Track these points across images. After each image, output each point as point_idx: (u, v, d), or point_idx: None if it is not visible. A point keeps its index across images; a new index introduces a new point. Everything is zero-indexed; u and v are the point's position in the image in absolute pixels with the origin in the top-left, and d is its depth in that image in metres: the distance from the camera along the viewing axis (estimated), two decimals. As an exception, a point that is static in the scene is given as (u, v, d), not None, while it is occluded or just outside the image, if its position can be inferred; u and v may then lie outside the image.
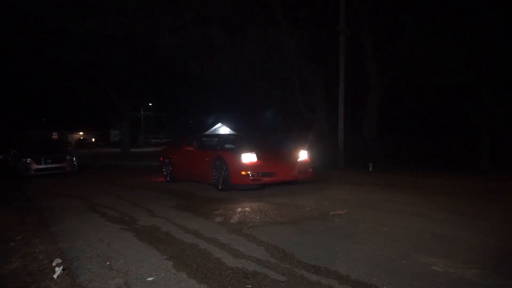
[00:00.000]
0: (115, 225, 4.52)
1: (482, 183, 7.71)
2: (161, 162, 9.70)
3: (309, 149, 8.12)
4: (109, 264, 3.10)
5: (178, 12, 16.03)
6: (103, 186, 9.11)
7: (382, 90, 13.96)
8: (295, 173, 7.20)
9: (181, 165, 8.72)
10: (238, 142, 9.07)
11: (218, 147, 8.73)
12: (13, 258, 3.39)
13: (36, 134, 42.70)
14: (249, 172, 6.65)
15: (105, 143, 58.17)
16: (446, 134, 14.69)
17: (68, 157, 12.07)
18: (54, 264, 3.11)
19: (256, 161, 6.84)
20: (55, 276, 2.87)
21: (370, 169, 10.94)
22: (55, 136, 51.75)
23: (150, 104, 47.25)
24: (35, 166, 11.38)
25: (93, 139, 62.94)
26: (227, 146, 8.84)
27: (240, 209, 5.39)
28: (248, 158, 6.82)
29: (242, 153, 6.88)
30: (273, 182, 6.93)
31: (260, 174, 6.72)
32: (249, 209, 5.32)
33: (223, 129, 26.05)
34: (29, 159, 11.37)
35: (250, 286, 2.54)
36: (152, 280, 2.72)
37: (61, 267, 2.99)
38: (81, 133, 62.31)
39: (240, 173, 6.67)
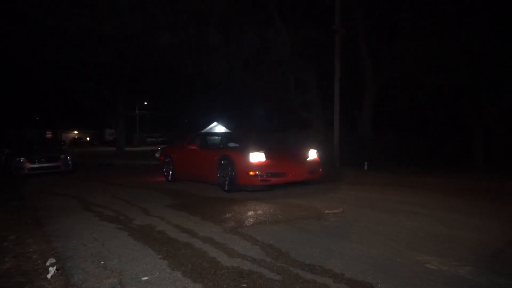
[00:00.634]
0: (110, 225, 4.50)
1: (475, 182, 7.77)
2: (161, 161, 9.45)
3: (316, 148, 7.88)
4: (104, 263, 3.08)
5: (174, 11, 15.97)
6: (98, 185, 9.05)
7: (377, 89, 14.03)
8: (305, 173, 6.98)
9: (184, 165, 8.46)
10: (243, 141, 8.80)
11: (222, 146, 8.48)
12: (7, 258, 3.36)
13: (30, 133, 42.35)
14: (257, 172, 6.39)
15: (99, 142, 57.87)
16: (440, 133, 14.81)
17: (62, 156, 11.99)
18: (48, 264, 3.09)
19: (265, 161, 6.57)
20: (48, 276, 2.85)
21: (365, 168, 10.98)
22: (49, 135, 51.38)
23: (146, 103, 47.07)
24: (28, 165, 11.29)
25: (88, 138, 62.58)
26: (231, 144, 8.55)
27: (236, 208, 5.39)
28: (257, 157, 6.55)
29: (250, 152, 6.60)
30: (282, 182, 6.69)
31: (269, 175, 6.45)
32: (245, 208, 5.32)
33: (218, 128, 26.02)
34: (22, 158, 11.28)
35: (245, 285, 2.54)
36: (147, 279, 2.71)
37: (55, 267, 2.97)
38: (75, 132, 61.96)
39: (248, 173, 6.43)
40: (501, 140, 12.28)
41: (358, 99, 14.36)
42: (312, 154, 7.43)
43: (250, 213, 4.96)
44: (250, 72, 16.55)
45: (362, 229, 3.95)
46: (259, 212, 5.00)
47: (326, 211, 4.83)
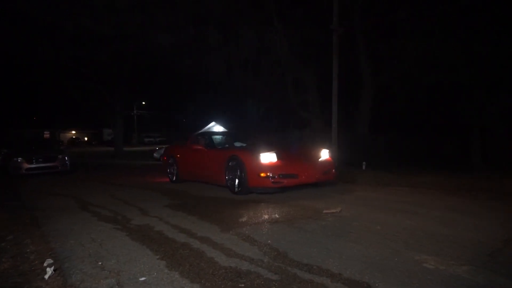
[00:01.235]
0: (108, 225, 4.49)
1: (474, 181, 7.79)
2: (165, 161, 9.11)
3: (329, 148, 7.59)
4: (101, 264, 3.08)
5: (172, 10, 15.95)
6: (96, 185, 9.03)
7: (375, 88, 14.05)
8: (319, 174, 6.63)
9: (188, 165, 8.11)
10: (249, 140, 8.49)
11: (227, 145, 8.10)
12: (4, 258, 3.35)
13: (28, 133, 42.24)
14: (269, 174, 6.06)
15: (97, 142, 57.80)
16: (439, 132, 14.84)
17: (60, 156, 11.96)
18: (45, 264, 3.08)
19: (276, 161, 6.26)
20: (46, 276, 2.84)
21: (364, 167, 10.99)
22: (47, 135, 51.25)
23: (144, 103, 47.02)
24: (26, 166, 11.26)
25: (86, 138, 62.50)
26: (237, 144, 8.22)
27: (234, 208, 5.39)
28: (268, 158, 6.23)
29: (260, 153, 6.26)
30: (295, 184, 6.34)
31: (281, 176, 6.12)
32: (243, 209, 5.32)
33: (216, 128, 26.01)
34: (20, 158, 11.25)
35: (243, 285, 2.54)
36: (145, 280, 2.71)
37: (52, 268, 2.97)
38: (73, 132, 61.85)
39: (259, 175, 6.09)
40: (500, 140, 12.31)
41: (356, 99, 14.38)
42: (325, 154, 7.16)
43: (248, 213, 4.95)
44: (249, 72, 16.55)
45: (360, 229, 3.95)
46: (257, 212, 5.00)
47: (324, 211, 4.83)
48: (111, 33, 18.86)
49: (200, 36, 16.17)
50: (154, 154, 26.72)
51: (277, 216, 4.69)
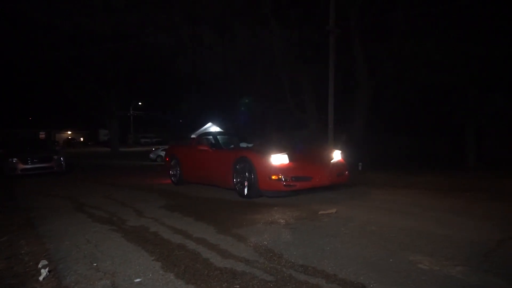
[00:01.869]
0: (103, 226, 4.48)
1: (468, 181, 7.84)
2: (167, 162, 8.71)
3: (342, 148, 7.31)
4: (96, 265, 3.07)
5: (168, 10, 15.95)
6: (92, 186, 9.00)
7: (371, 89, 14.09)
8: (332, 176, 6.31)
9: (193, 167, 7.77)
10: (256, 141, 8.14)
11: (233, 146, 7.76)
12: (-2, 260, 3.33)
13: (23, 133, 41.97)
14: (281, 176, 5.74)
15: (93, 142, 57.57)
16: (434, 132, 14.93)
17: (55, 157, 11.91)
18: (40, 265, 3.06)
19: (288, 163, 5.96)
20: (41, 278, 2.83)
21: (360, 168, 11.03)
22: (42, 135, 50.96)
23: (140, 103, 46.89)
24: (21, 166, 11.20)
25: (82, 139, 62.20)
26: (243, 145, 7.92)
27: (230, 209, 5.39)
28: (279, 159, 5.93)
29: (271, 154, 5.95)
30: (308, 187, 6.04)
31: (294, 179, 5.81)
32: (238, 209, 5.32)
33: (213, 129, 25.99)
34: (15, 159, 11.19)
35: (238, 286, 2.54)
36: (140, 281, 2.70)
37: (47, 269, 2.95)
38: (69, 132, 61.51)
39: (270, 177, 5.78)
40: (493, 140, 12.42)
41: (353, 99, 14.42)
42: (337, 155, 6.88)
43: (244, 214, 4.96)
44: (245, 72, 16.57)
45: (355, 230, 3.96)
46: (252, 213, 5.00)
47: (320, 212, 4.84)
48: (108, 33, 18.85)
49: (197, 36, 16.19)
50: (150, 155, 26.65)
51: (272, 217, 4.69)
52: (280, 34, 14.30)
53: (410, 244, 3.38)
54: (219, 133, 9.09)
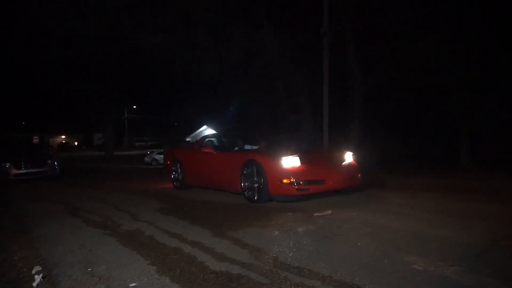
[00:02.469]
0: (98, 230, 4.45)
1: (462, 182, 7.91)
2: (168, 166, 8.36)
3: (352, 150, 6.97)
4: (91, 270, 3.05)
5: (162, 12, 15.94)
6: (86, 190, 8.94)
7: (366, 91, 14.18)
8: (345, 179, 6.05)
9: (196, 170, 7.45)
10: (261, 143, 7.69)
11: (237, 148, 7.39)
12: (-9, 266, 3.30)
13: (16, 138, 41.58)
14: (293, 180, 5.49)
15: (87, 146, 57.26)
16: (428, 134, 15.04)
17: (49, 161, 11.84)
18: (33, 271, 3.04)
19: (300, 166, 5.71)
20: (34, 284, 2.81)
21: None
22: (36, 139, 50.49)
23: (134, 106, 46.75)
24: (14, 171, 11.12)
25: (76, 143, 61.82)
26: (247, 147, 7.58)
27: (225, 212, 5.39)
28: (290, 162, 5.67)
29: (282, 156, 5.69)
30: (321, 191, 5.77)
31: (307, 182, 5.56)
32: (234, 212, 5.32)
33: (208, 131, 25.97)
34: (8, 164, 11.11)
35: (233, 289, 2.54)
36: (135, 285, 2.69)
37: (41, 275, 2.93)
38: (63, 136, 61.13)
39: (282, 181, 5.52)
40: (486, 142, 12.56)
41: (348, 101, 14.49)
42: (349, 157, 6.59)
43: (239, 216, 4.95)
44: (240, 75, 16.59)
45: (350, 231, 3.98)
46: (248, 215, 5.00)
47: (315, 214, 4.85)
48: (102, 35, 18.78)
49: (191, 39, 16.18)
50: (145, 159, 26.61)
51: (268, 219, 4.69)
52: (275, 36, 14.35)
53: (405, 245, 3.39)
54: (222, 134, 8.65)
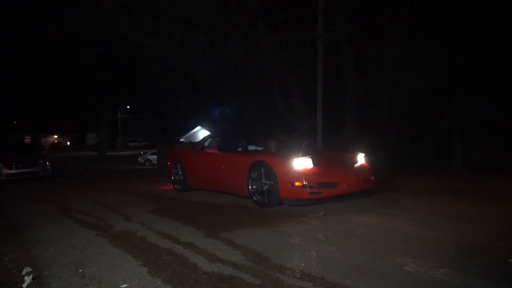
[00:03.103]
0: (90, 231, 4.42)
1: (454, 184, 7.96)
2: (169, 167, 8.00)
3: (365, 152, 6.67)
4: (82, 271, 3.03)
5: (157, 13, 15.88)
6: (78, 191, 8.87)
7: (360, 92, 14.25)
8: (359, 182, 5.74)
9: (199, 172, 7.10)
10: (266, 144, 7.32)
11: (240, 149, 7.03)
12: (-20, 267, 3.26)
13: (7, 138, 41.12)
14: (305, 183, 5.20)
15: (80, 146, 56.86)
16: (420, 136, 15.15)
17: (41, 161, 11.74)
18: (23, 273, 3.01)
19: (312, 168, 5.40)
20: (24, 285, 2.78)
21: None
22: (27, 139, 50.01)
23: (128, 106, 46.52)
24: (6, 171, 11.01)
25: (68, 143, 61.33)
26: (251, 148, 7.23)
27: (218, 213, 5.38)
28: (302, 163, 5.37)
29: (294, 157, 5.39)
30: (335, 195, 5.48)
31: (319, 185, 5.26)
32: (226, 213, 5.31)
33: (202, 132, 25.91)
34: (-1, 163, 10.99)
35: (225, 290, 2.54)
36: (126, 286, 2.67)
37: (31, 276, 2.90)
38: (55, 136, 60.61)
39: (293, 184, 5.23)
40: (478, 144, 12.68)
41: (342, 103, 14.55)
42: (361, 159, 6.30)
43: (232, 217, 4.95)
44: (234, 75, 16.58)
45: (342, 232, 4.00)
46: (241, 216, 5.00)
47: (308, 215, 4.87)
48: (96, 36, 18.65)
49: (186, 39, 16.14)
50: (139, 159, 26.49)
51: (261, 220, 4.70)
52: (270, 37, 14.37)
53: (396, 247, 3.42)
54: (228, 135, 8.13)
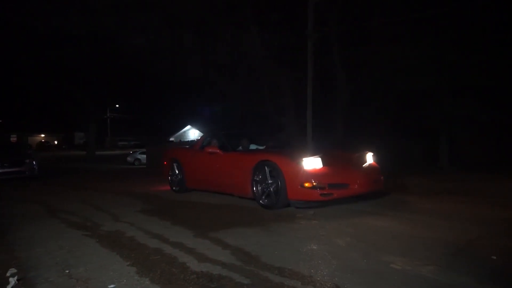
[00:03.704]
0: (77, 231, 4.37)
1: (440, 183, 8.09)
2: (165, 166, 7.68)
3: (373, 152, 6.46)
4: (69, 272, 2.99)
5: (147, 12, 15.75)
6: (65, 191, 8.75)
7: (349, 93, 14.36)
8: (370, 183, 5.54)
9: (199, 172, 6.84)
10: (269, 142, 7.13)
11: (241, 148, 6.71)
12: (-37, 269, 3.19)
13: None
14: (315, 184, 4.95)
15: (68, 145, 56.09)
16: (408, 136, 15.33)
17: (27, 161, 11.54)
18: (8, 274, 2.95)
19: (322, 168, 5.17)
20: (8, 287, 2.73)
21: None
22: (14, 138, 49.11)
23: (117, 105, 46.04)
24: (-9, 171, 10.78)
25: (56, 142, 60.41)
26: (253, 147, 6.97)
27: (207, 212, 5.37)
28: (312, 163, 5.13)
29: (303, 157, 5.14)
30: (346, 196, 5.29)
31: (330, 186, 5.04)
32: (216, 212, 5.31)
33: (192, 132, 25.79)
34: (-17, 163, 10.77)
35: (214, 290, 2.53)
36: (114, 287, 2.65)
37: (15, 277, 2.85)
38: (42, 135, 59.63)
39: (303, 185, 4.97)
40: (465, 144, 12.89)
41: (332, 103, 14.64)
42: (369, 158, 6.12)
43: (221, 217, 4.94)
44: (224, 75, 16.55)
45: (332, 231, 4.03)
46: (230, 215, 5.00)
47: (298, 215, 4.89)
48: (84, 34, 18.40)
49: (176, 39, 16.04)
50: (128, 158, 26.28)
51: (250, 219, 4.70)
52: (259, 37, 14.38)
53: (384, 245, 3.46)
54: (229, 133, 7.51)
